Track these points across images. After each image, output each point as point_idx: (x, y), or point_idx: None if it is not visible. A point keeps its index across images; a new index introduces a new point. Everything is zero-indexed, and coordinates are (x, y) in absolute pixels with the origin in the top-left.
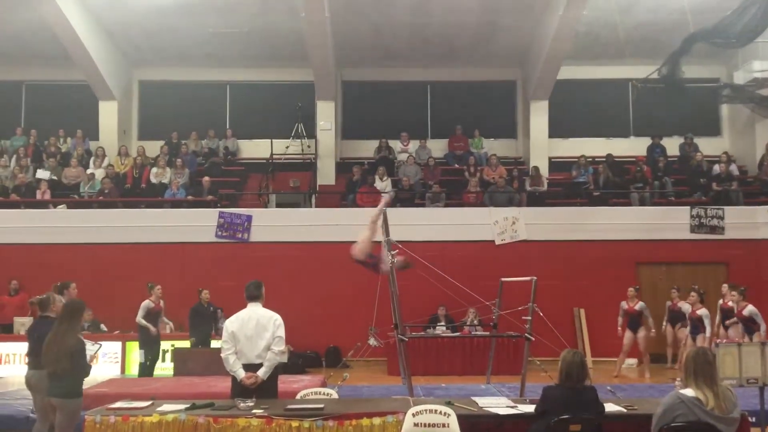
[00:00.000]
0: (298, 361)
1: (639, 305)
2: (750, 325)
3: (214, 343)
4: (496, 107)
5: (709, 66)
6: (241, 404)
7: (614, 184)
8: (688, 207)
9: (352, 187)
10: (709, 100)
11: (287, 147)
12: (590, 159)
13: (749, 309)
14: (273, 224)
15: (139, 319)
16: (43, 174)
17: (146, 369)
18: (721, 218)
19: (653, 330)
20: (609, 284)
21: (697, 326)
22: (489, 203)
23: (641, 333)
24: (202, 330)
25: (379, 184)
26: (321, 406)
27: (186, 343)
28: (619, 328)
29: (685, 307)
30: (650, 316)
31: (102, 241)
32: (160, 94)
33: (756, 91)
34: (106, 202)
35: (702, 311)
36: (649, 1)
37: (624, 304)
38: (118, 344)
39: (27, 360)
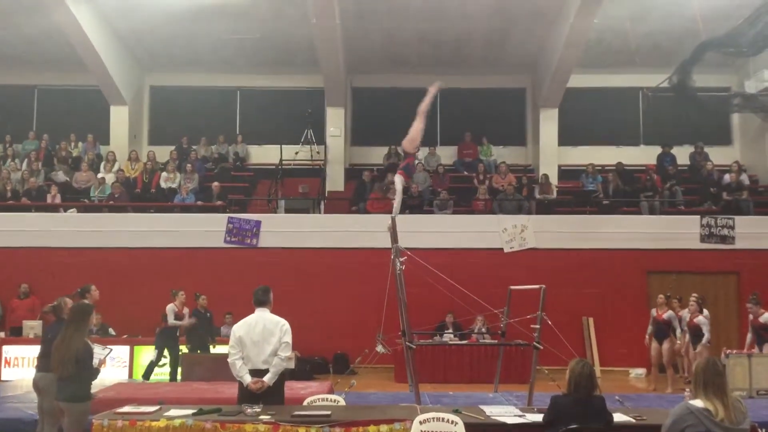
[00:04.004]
0: (306, 367)
1: (667, 314)
2: (763, 335)
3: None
4: (506, 114)
5: (720, 75)
6: (248, 410)
7: (624, 192)
8: (699, 216)
9: (361, 191)
10: (719, 109)
11: (297, 153)
12: (600, 167)
13: (766, 316)
14: (282, 230)
15: (172, 321)
16: (57, 176)
17: (171, 371)
18: (732, 228)
19: (678, 342)
20: (618, 293)
21: (696, 335)
22: (498, 211)
23: (666, 345)
24: (200, 336)
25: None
26: (328, 412)
27: None
28: (646, 338)
29: (684, 314)
30: (678, 327)
31: (111, 246)
32: (171, 99)
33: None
34: (115, 207)
35: (699, 319)
36: (660, 10)
37: (654, 312)
38: (126, 348)
39: (36, 362)
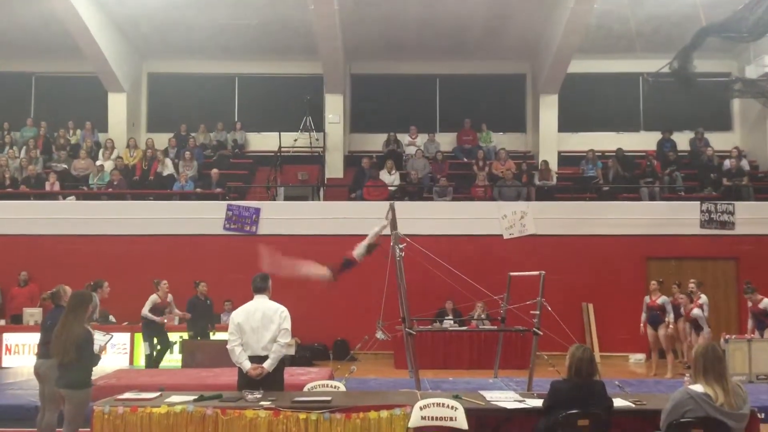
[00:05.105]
0: (306, 354)
1: (661, 299)
2: (763, 320)
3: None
4: (506, 101)
5: (720, 60)
6: (249, 396)
7: (624, 178)
8: (698, 202)
9: (360, 178)
10: (720, 95)
11: (295, 140)
12: (600, 153)
13: (765, 302)
14: (281, 217)
15: (145, 312)
16: (56, 166)
17: (153, 360)
18: (732, 213)
19: (671, 326)
20: (618, 279)
21: (696, 325)
22: (498, 197)
23: (661, 331)
24: (200, 323)
25: (387, 178)
26: (328, 398)
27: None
28: (642, 326)
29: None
30: (671, 311)
31: (110, 233)
32: (169, 86)
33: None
34: (114, 194)
35: (695, 312)
36: None
37: (647, 299)
38: (126, 335)
39: (37, 349)
